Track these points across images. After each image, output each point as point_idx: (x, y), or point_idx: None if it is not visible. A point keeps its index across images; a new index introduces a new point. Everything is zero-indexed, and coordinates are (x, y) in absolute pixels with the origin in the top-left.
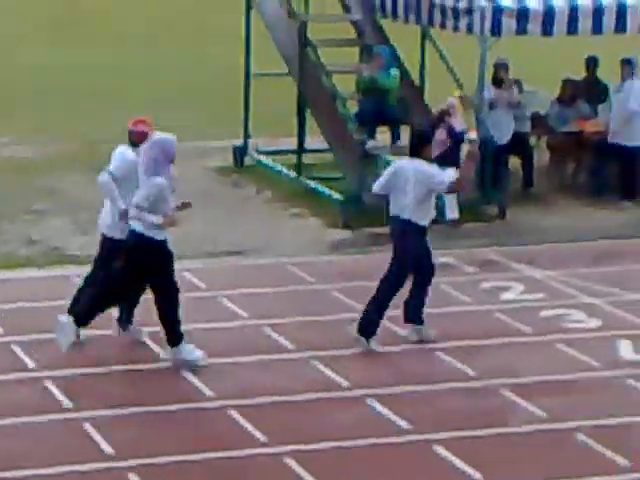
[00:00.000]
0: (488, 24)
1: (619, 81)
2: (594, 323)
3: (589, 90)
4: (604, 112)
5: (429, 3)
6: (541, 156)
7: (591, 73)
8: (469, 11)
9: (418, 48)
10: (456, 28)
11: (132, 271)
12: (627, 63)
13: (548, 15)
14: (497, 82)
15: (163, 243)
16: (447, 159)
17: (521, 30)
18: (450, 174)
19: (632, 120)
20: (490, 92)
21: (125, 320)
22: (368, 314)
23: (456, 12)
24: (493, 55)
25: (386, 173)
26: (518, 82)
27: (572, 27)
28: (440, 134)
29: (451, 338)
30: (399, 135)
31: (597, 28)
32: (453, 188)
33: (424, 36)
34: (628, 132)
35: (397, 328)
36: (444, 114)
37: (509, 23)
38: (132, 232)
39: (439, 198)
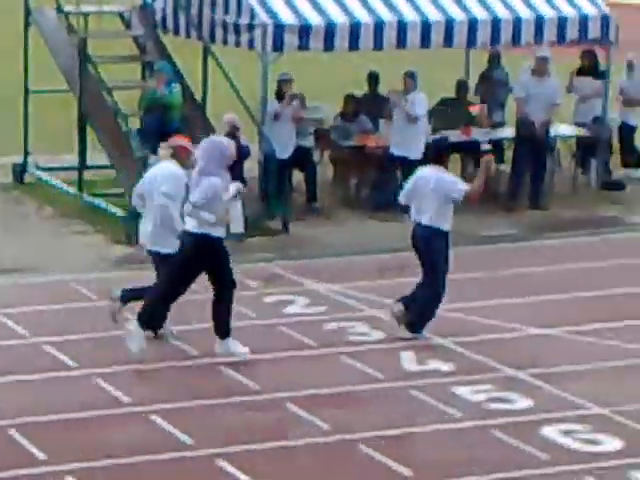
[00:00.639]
0: (270, 40)
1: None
2: (377, 335)
3: (371, 105)
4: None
5: (210, 19)
6: (324, 170)
7: (372, 88)
8: (250, 27)
9: (200, 64)
10: (238, 44)
11: (190, 269)
12: (410, 76)
13: (329, 31)
14: (280, 97)
15: (219, 240)
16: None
17: (303, 46)
18: (464, 185)
19: (412, 131)
20: (273, 107)
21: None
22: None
23: (237, 28)
24: (282, 69)
25: (409, 182)
26: (301, 97)
27: (353, 43)
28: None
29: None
30: None
31: (378, 44)
32: (468, 197)
33: (206, 52)
34: (409, 143)
35: (186, 346)
36: (235, 130)
37: (291, 39)
38: (186, 232)
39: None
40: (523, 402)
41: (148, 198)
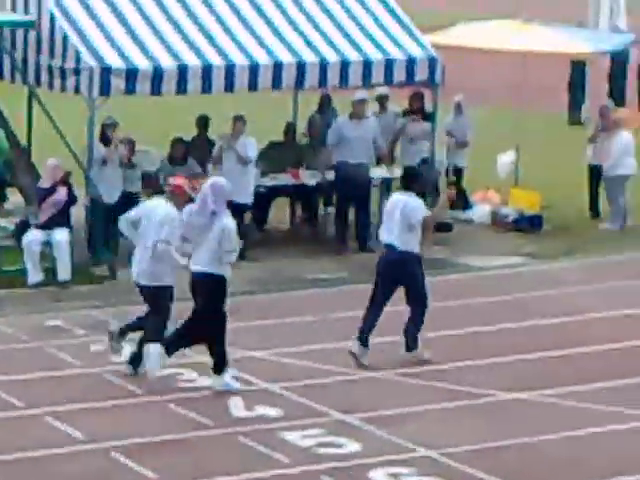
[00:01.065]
0: (96, 84)
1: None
2: (205, 382)
3: (200, 149)
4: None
5: (36, 63)
6: None
7: (202, 132)
8: (77, 71)
9: (25, 108)
10: (64, 88)
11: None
12: (239, 120)
13: (157, 75)
14: (105, 141)
15: (225, 279)
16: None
17: (130, 90)
18: (426, 212)
19: (241, 175)
20: (100, 151)
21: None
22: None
23: (63, 72)
24: (111, 113)
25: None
26: (131, 141)
27: (181, 87)
28: (59, 194)
29: (59, 403)
30: (5, 196)
31: (206, 87)
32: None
33: (31, 96)
34: (238, 187)
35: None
36: (66, 176)
37: (117, 83)
38: (210, 274)
39: (52, 260)
40: (352, 446)
41: (142, 232)
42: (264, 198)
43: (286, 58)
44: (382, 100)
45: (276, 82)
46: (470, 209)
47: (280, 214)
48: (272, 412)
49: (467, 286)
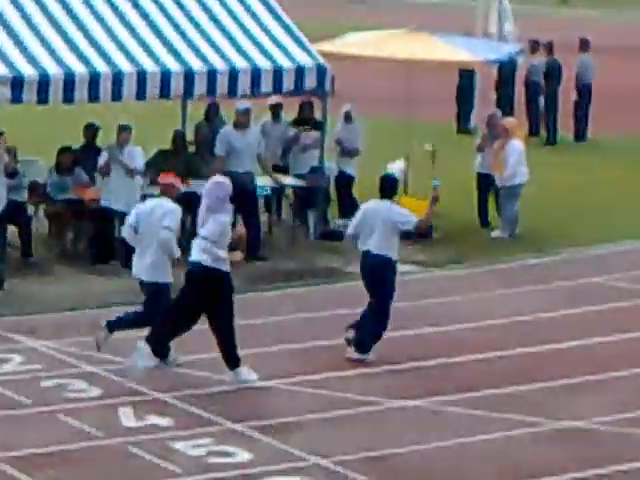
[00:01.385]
0: None
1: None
2: (95, 392)
3: (87, 158)
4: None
5: None
6: (40, 225)
7: (89, 140)
8: None
9: None
10: None
11: (197, 300)
12: (124, 129)
13: (43, 84)
14: None
15: (228, 275)
16: None
17: (16, 98)
18: (414, 217)
19: (128, 184)
20: None
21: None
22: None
23: None
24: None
25: (358, 214)
26: (13, 150)
27: (68, 96)
28: None
29: None
30: None
31: (93, 96)
32: (420, 227)
33: None
34: (125, 197)
35: None
36: None
37: (3, 91)
38: (197, 264)
39: None
40: (243, 455)
41: (145, 232)
42: None
43: (174, 67)
44: (275, 109)
45: (164, 91)
46: None
47: None
48: (163, 422)
49: (358, 295)
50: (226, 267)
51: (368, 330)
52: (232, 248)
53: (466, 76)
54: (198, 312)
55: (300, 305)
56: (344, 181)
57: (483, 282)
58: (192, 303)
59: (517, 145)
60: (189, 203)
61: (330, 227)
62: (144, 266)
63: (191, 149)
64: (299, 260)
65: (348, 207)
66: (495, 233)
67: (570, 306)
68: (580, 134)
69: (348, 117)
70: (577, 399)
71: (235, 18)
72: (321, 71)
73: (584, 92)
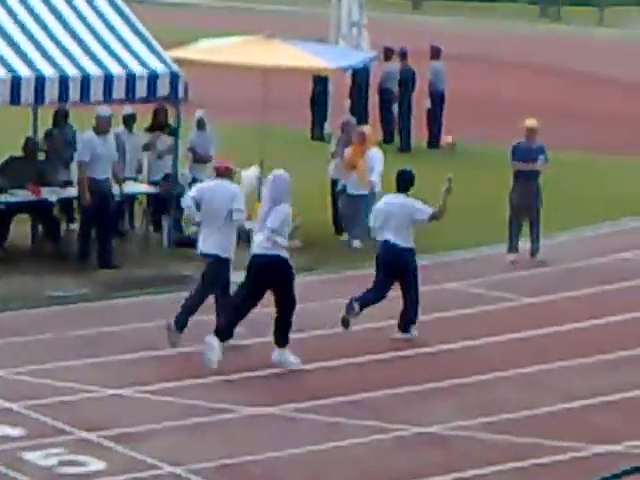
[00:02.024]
0: None
1: None
2: None
3: None
4: None
5: None
6: None
7: None
8: None
9: None
10: None
11: (261, 286)
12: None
13: None
14: None
15: (288, 261)
16: None
17: None
18: (430, 209)
19: None
20: None
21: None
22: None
23: None
24: None
25: (379, 207)
26: None
27: None
28: None
29: None
30: None
31: None
32: (436, 217)
33: None
34: None
35: None
36: None
37: None
38: (259, 254)
39: None
40: (96, 465)
41: (207, 209)
42: (3, 215)
43: (25, 73)
44: (128, 120)
45: (14, 97)
46: None
47: (21, 231)
48: (13, 432)
49: (209, 302)
50: (286, 254)
51: (409, 314)
52: (291, 237)
53: (320, 83)
54: (260, 298)
55: (156, 312)
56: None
57: (337, 289)
58: (255, 289)
59: (378, 153)
60: (41, 210)
61: (184, 234)
62: (212, 240)
63: (41, 156)
64: (152, 267)
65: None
66: (355, 243)
67: (422, 312)
68: (434, 140)
69: (201, 124)
70: (428, 405)
71: (87, 24)
72: (174, 78)
73: (436, 99)
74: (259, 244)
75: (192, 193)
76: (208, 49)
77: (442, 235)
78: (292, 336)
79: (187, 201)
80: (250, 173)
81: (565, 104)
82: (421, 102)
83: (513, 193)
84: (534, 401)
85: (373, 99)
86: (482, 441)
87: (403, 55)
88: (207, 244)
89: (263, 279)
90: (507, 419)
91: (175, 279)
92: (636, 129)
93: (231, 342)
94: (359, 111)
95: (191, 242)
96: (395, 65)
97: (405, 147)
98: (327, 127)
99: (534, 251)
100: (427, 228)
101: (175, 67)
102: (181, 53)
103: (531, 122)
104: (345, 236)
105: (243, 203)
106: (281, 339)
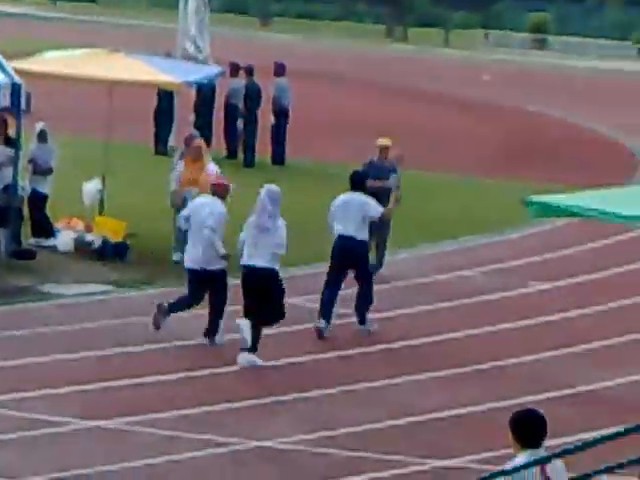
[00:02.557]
0: None
1: None
2: None
3: None
4: None
5: None
6: None
7: None
8: None
9: None
10: None
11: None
12: None
13: None
14: None
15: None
16: None
17: None
18: (381, 208)
19: None
20: None
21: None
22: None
23: None
24: None
25: (335, 205)
26: None
27: None
28: None
29: None
30: None
31: None
32: (385, 216)
33: None
34: None
35: None
36: None
37: None
38: (272, 270)
39: None
40: None
41: (194, 225)
42: None
43: None
44: None
45: None
46: (54, 236)
47: None
48: None
49: (51, 315)
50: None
51: (363, 304)
52: None
53: (165, 97)
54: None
55: None
56: (37, 200)
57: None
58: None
59: (216, 166)
60: None
61: (22, 246)
62: (197, 257)
63: None
64: None
65: (41, 226)
66: (176, 257)
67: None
68: (277, 157)
69: (42, 136)
70: (265, 419)
71: None
72: (15, 88)
73: (281, 116)
74: (266, 259)
75: (183, 212)
76: (53, 61)
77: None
78: (125, 349)
79: (179, 222)
80: (91, 186)
81: (409, 123)
82: (266, 118)
83: None
84: (371, 416)
85: (218, 114)
86: (319, 455)
87: (249, 71)
88: (191, 258)
89: (268, 288)
90: (345, 433)
91: (13, 290)
92: (475, 149)
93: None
94: (204, 126)
95: (30, 253)
96: (241, 81)
97: (249, 162)
98: (171, 141)
99: (377, 267)
100: None
101: (17, 78)
102: (25, 64)
103: (384, 140)
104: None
105: (219, 223)
106: (254, 345)
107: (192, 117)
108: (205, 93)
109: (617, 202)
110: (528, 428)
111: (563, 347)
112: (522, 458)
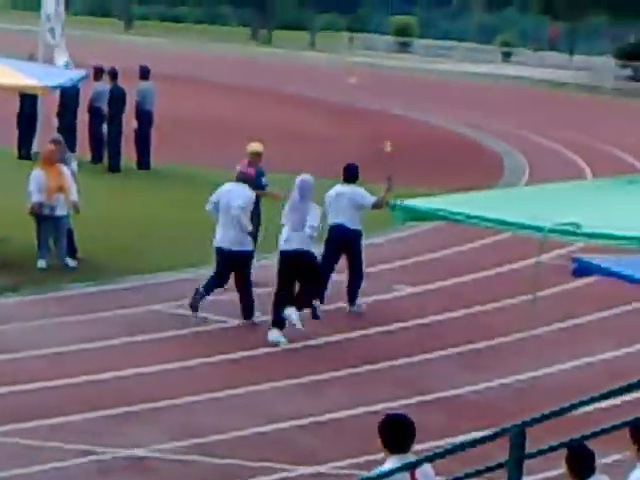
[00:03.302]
0: None
1: None
2: None
3: None
4: None
5: None
6: None
7: None
8: None
9: None
10: None
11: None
12: None
13: None
14: None
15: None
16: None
17: None
18: (373, 198)
19: None
20: None
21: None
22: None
23: None
24: None
25: (328, 197)
26: None
27: None
28: None
29: None
30: None
31: None
32: (378, 206)
33: None
34: None
35: None
36: None
37: None
38: (308, 252)
39: None
40: None
41: (224, 209)
42: None
43: None
44: None
45: None
46: None
47: None
48: None
49: None
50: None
51: (355, 287)
52: None
53: (28, 101)
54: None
55: None
56: None
57: (38, 311)
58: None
59: (68, 170)
60: None
61: None
62: (228, 237)
63: None
64: None
65: None
66: (42, 264)
67: (128, 334)
68: (142, 161)
69: None
70: (133, 427)
71: None
72: None
73: (144, 120)
74: (301, 241)
75: (211, 197)
76: None
77: (148, 257)
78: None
79: (208, 207)
80: None
81: (276, 126)
82: (131, 122)
83: None
84: (240, 423)
85: (83, 118)
86: (186, 463)
87: (113, 75)
88: (222, 239)
89: (304, 268)
90: (215, 441)
91: None
92: (340, 153)
93: None
94: (68, 130)
95: None
96: (105, 85)
97: (114, 167)
98: (35, 146)
99: None
100: (132, 250)
101: None
102: None
103: (256, 146)
104: (41, 262)
105: (248, 202)
106: (304, 305)
107: (56, 121)
108: (68, 97)
109: (482, 206)
110: (396, 433)
111: (433, 350)
112: (391, 463)
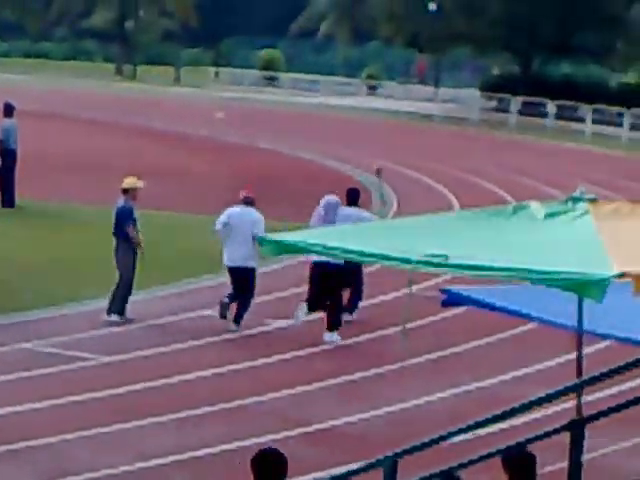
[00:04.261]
0: None
1: None
2: None
3: None
4: None
5: None
6: None
7: None
8: None
9: None
10: None
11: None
12: None
13: None
14: None
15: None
16: None
17: None
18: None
19: None
20: None
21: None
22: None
23: None
24: None
25: (338, 216)
26: None
27: None
28: None
29: None
30: None
31: None
32: None
33: None
34: None
35: None
36: None
37: None
38: (336, 264)
39: None
40: None
41: (235, 230)
42: None
43: None
44: None
45: None
46: None
47: None
48: None
49: None
50: None
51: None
52: None
53: None
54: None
55: None
56: None
57: None
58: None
59: None
60: None
61: None
62: (239, 255)
63: None
64: None
65: None
66: None
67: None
68: (7, 200)
69: None
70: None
71: None
72: None
73: (9, 157)
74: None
75: (221, 219)
76: None
77: (14, 296)
78: None
79: (217, 226)
80: None
81: (143, 162)
82: None
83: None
84: (110, 461)
85: None
86: None
87: None
88: (232, 258)
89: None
90: (88, 479)
91: None
92: (208, 188)
93: None
94: None
95: None
96: None
97: None
98: None
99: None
100: (1, 288)
101: None
102: None
103: (134, 181)
104: None
105: (263, 229)
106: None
107: None
108: None
109: (348, 238)
110: (268, 468)
111: (309, 383)
112: None
